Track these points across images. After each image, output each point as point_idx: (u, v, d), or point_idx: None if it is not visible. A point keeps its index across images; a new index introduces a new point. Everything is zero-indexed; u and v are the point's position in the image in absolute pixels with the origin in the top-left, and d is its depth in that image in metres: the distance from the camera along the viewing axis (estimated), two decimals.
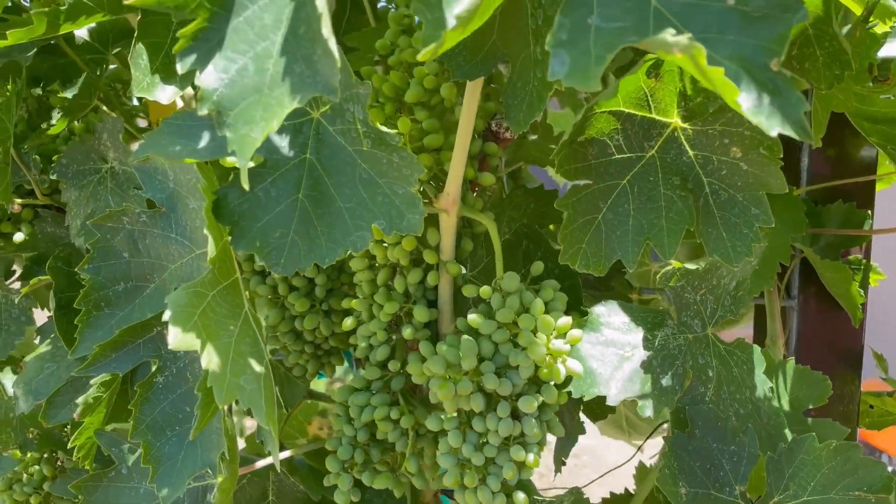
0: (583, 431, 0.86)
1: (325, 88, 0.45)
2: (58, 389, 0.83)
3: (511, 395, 0.66)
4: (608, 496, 1.06)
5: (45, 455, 1.03)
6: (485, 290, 0.67)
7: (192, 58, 0.48)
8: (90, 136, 0.82)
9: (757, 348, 0.75)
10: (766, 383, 0.75)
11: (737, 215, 0.56)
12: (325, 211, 0.59)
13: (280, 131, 0.60)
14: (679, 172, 0.57)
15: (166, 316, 0.55)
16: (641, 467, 1.10)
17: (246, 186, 0.46)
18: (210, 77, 0.47)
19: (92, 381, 0.77)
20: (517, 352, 0.65)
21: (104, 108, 0.92)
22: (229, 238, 0.59)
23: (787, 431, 0.74)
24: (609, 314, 0.71)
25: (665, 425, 1.28)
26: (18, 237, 0.96)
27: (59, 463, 1.05)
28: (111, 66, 1.09)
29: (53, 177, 0.83)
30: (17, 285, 0.98)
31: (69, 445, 0.76)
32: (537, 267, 0.71)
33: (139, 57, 0.69)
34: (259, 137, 0.46)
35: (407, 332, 0.74)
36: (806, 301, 0.96)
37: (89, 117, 0.92)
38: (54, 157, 0.83)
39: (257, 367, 0.59)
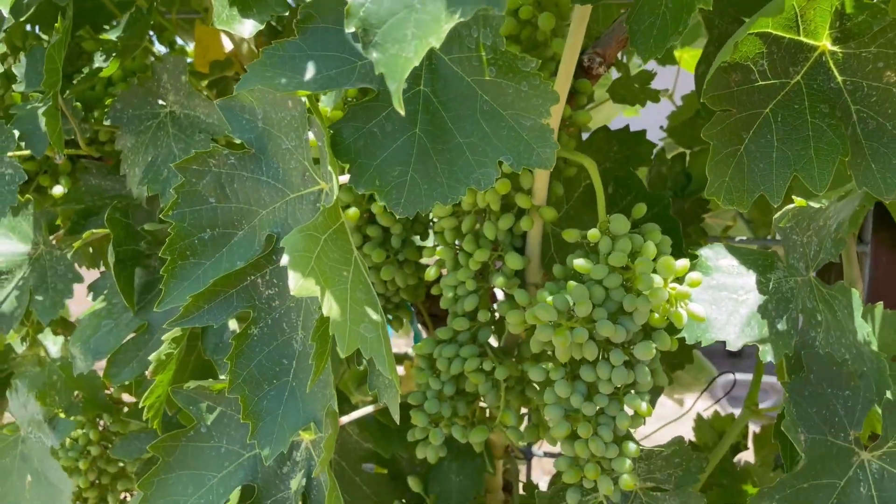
0: (670, 381, 0.84)
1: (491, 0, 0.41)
2: (119, 347, 0.79)
3: (624, 343, 0.63)
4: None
5: (90, 418, 0.98)
6: (593, 234, 0.64)
7: None
8: (147, 78, 0.77)
9: (855, 292, 0.72)
10: (864, 327, 0.73)
11: (885, 145, 0.53)
12: (444, 147, 0.55)
13: None
14: (826, 100, 0.54)
15: (284, 261, 0.51)
16: (700, 418, 1.09)
17: (401, 110, 0.42)
18: None
19: (164, 337, 0.72)
20: (632, 297, 0.62)
21: (153, 48, 0.86)
22: (347, 176, 0.55)
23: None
24: (717, 257, 0.68)
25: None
26: (57, 190, 0.91)
27: (102, 427, 1.01)
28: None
29: (107, 122, 0.78)
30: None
31: (141, 404, 0.72)
32: (639, 209, 0.67)
33: None
34: (412, 57, 0.42)
35: (499, 281, 0.70)
36: (878, 246, 0.94)
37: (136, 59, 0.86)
38: (107, 101, 0.78)
39: (374, 315, 0.55)
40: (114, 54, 0.78)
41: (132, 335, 0.81)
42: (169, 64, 0.75)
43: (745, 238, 1.03)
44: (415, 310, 0.95)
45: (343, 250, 0.56)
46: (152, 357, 0.70)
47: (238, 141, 0.62)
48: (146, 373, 0.75)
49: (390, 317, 0.87)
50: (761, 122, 0.54)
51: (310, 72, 0.55)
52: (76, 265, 0.87)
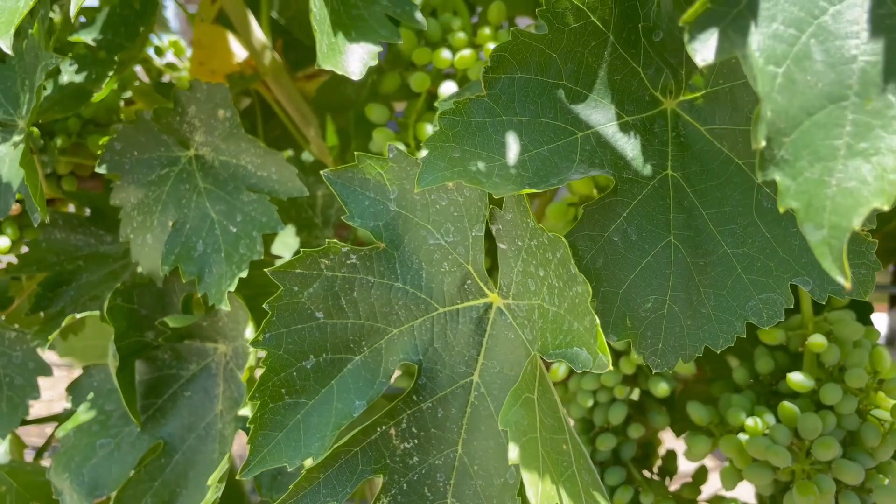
0: None
1: None
2: (128, 480, 0.57)
3: (860, 485, 0.49)
4: None
5: None
6: (816, 342, 0.49)
7: (712, 34, 0.25)
8: (167, 111, 0.54)
9: None
10: None
11: None
12: (706, 261, 0.38)
13: (625, 130, 0.38)
14: None
15: (513, 455, 0.33)
16: None
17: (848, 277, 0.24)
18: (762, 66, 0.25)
19: (210, 481, 0.52)
20: (871, 427, 0.48)
21: (156, 61, 0.63)
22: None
23: None
24: None
25: None
26: (3, 243, 0.66)
27: None
28: None
29: (101, 169, 0.55)
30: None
31: None
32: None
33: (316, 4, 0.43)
34: (857, 203, 0.25)
35: (660, 389, 0.54)
36: None
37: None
38: (70, 122, 0.55)
39: None
40: (110, 72, 0.55)
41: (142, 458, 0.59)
42: (201, 93, 0.53)
43: None
44: None
45: (553, 408, 0.39)
46: None
47: (359, 229, 0.43)
48: None
49: None
50: None
51: (513, 149, 0.37)
52: (40, 350, 0.64)
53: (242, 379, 0.53)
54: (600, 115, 0.38)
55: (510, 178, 0.36)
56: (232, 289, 0.51)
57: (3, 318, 0.63)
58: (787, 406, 0.49)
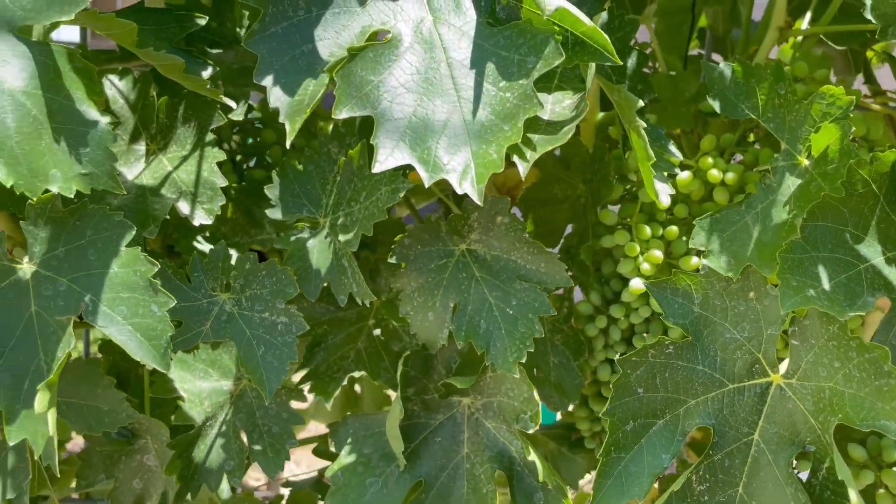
0: None
1: None
2: None
3: None
4: None
5: None
6: None
7: None
8: (459, 218, 0.67)
9: None
10: None
11: None
12: None
13: (889, 263, 0.54)
14: None
15: (854, 498, 0.48)
16: None
17: None
18: None
19: None
20: None
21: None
22: None
23: None
24: None
25: None
26: None
27: None
28: None
29: (392, 260, 0.67)
30: None
31: None
32: None
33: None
34: None
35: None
36: None
37: None
38: (396, 238, 0.66)
39: None
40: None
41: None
42: (485, 203, 0.66)
43: None
44: None
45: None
46: None
47: (671, 323, 0.57)
48: None
49: None
50: None
51: (824, 278, 0.52)
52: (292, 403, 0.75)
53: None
54: (872, 252, 0.54)
55: (833, 301, 0.51)
56: (523, 360, 0.64)
57: None
58: None
